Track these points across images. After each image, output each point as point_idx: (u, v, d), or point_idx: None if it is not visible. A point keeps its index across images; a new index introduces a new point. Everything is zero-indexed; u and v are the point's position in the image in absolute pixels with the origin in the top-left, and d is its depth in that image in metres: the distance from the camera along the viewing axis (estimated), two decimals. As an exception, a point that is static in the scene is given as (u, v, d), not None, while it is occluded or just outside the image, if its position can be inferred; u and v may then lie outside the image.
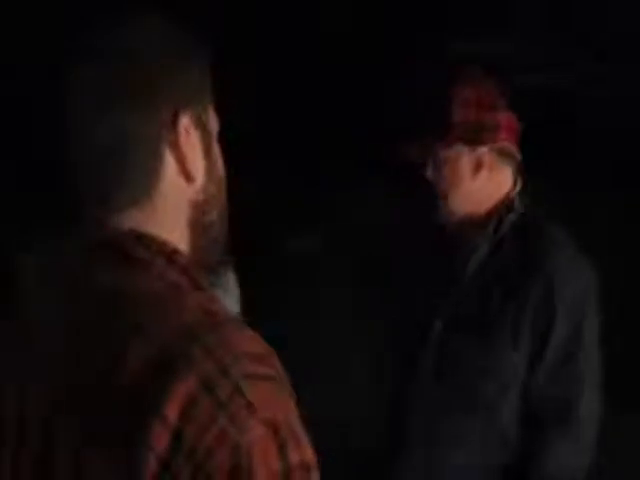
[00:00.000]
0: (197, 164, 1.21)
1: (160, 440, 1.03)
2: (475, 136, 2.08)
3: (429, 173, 2.10)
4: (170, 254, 1.18)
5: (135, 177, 1.18)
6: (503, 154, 2.12)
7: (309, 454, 1.09)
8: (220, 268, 3.51)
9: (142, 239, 1.17)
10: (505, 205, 2.15)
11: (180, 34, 1.23)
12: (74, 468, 1.09)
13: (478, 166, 2.09)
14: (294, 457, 1.07)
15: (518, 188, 2.18)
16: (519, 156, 2.15)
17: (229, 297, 2.86)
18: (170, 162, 1.19)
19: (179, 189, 1.21)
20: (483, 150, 2.09)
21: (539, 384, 2.08)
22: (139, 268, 1.16)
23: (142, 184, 1.18)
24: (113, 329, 1.10)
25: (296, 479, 1.07)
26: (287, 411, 1.09)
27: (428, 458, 2.15)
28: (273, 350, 1.13)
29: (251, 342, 1.11)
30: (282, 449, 1.06)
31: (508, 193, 2.16)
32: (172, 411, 1.03)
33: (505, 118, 2.10)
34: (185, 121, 1.20)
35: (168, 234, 1.20)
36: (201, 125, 1.22)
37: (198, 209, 1.23)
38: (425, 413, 2.15)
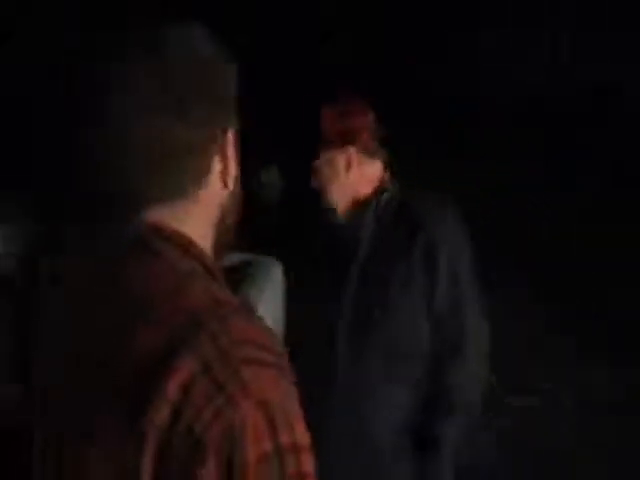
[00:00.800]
0: (233, 173, 1.31)
1: (160, 414, 1.10)
2: (342, 140, 2.57)
3: (314, 177, 2.59)
4: (186, 245, 1.25)
5: (180, 179, 1.24)
6: (368, 151, 2.58)
7: (302, 437, 1.14)
8: (264, 260, 3.61)
9: (161, 232, 1.24)
10: (380, 190, 2.60)
11: (221, 49, 1.29)
12: (83, 439, 1.17)
13: (348, 164, 2.56)
14: (285, 439, 1.12)
15: (389, 174, 2.63)
16: (384, 150, 2.63)
17: (273, 288, 3.02)
18: (216, 170, 1.28)
19: (215, 194, 1.29)
20: (351, 150, 2.57)
21: (437, 325, 2.48)
22: (154, 257, 1.23)
23: (185, 187, 1.25)
24: (128, 314, 1.17)
25: (287, 460, 1.12)
26: (282, 395, 1.14)
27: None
28: (275, 338, 1.20)
29: (253, 330, 1.17)
30: (274, 431, 1.11)
31: (381, 180, 2.61)
32: (173, 388, 1.10)
33: (366, 122, 2.59)
34: (230, 133, 1.29)
35: (194, 232, 1.28)
36: (235, 138, 1.31)
37: (223, 212, 1.31)
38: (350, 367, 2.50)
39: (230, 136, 1.29)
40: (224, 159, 1.28)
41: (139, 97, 1.20)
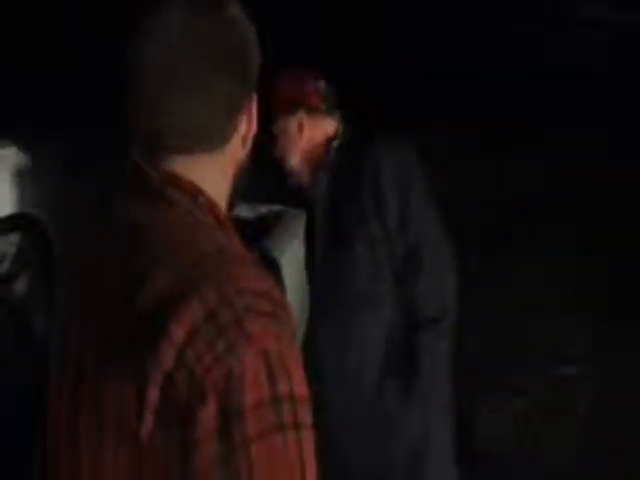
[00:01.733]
0: (253, 134, 1.37)
1: (167, 357, 1.15)
2: (293, 105, 2.78)
3: (273, 146, 2.77)
4: (195, 194, 1.29)
5: (206, 131, 1.29)
6: (319, 112, 2.79)
7: (300, 387, 1.17)
8: (292, 211, 3.86)
9: (174, 180, 1.29)
10: (331, 143, 2.80)
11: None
12: (96, 378, 1.23)
13: (300, 126, 2.78)
14: (283, 387, 1.15)
15: (340, 130, 2.83)
16: (337, 109, 2.84)
17: (298, 238, 3.26)
18: (241, 129, 1.33)
19: (236, 151, 1.35)
20: (300, 114, 2.77)
21: (395, 244, 2.62)
22: (168, 206, 1.27)
23: (212, 141, 1.30)
24: (140, 259, 1.23)
25: (284, 408, 1.15)
26: (282, 345, 1.17)
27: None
28: (278, 287, 1.23)
29: (256, 279, 1.21)
30: (272, 378, 1.15)
31: (334, 134, 2.81)
32: (179, 332, 1.15)
33: (313, 87, 2.79)
34: (255, 94, 1.34)
35: (212, 186, 1.32)
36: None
37: (238, 169, 1.37)
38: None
39: (255, 97, 1.35)
40: (249, 119, 1.34)
41: (183, 45, 1.26)
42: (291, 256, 3.68)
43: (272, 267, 3.59)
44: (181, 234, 1.25)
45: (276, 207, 4.23)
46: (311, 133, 2.81)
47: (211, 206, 1.31)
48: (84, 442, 1.26)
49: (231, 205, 1.38)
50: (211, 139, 1.30)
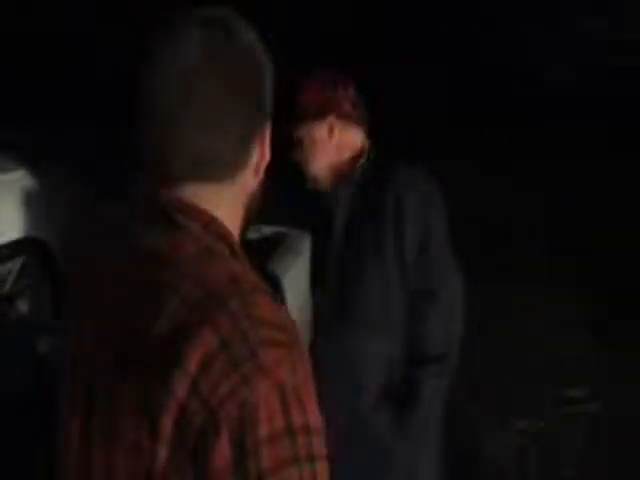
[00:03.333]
0: (266, 162, 1.35)
1: (180, 387, 1.14)
2: (324, 109, 2.65)
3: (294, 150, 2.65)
4: (207, 222, 1.27)
5: (220, 160, 1.27)
6: (350, 119, 2.67)
7: (314, 418, 1.16)
8: (295, 233, 3.78)
9: (185, 208, 1.27)
10: (358, 156, 2.69)
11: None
12: (109, 409, 1.22)
13: (331, 131, 2.65)
14: (297, 419, 1.14)
15: (369, 143, 2.73)
16: (366, 120, 2.74)
17: (302, 261, 3.16)
18: (255, 156, 1.31)
19: (248, 179, 1.33)
20: (331, 119, 2.64)
21: (410, 277, 2.60)
22: (180, 233, 1.26)
23: (223, 167, 1.28)
24: (153, 287, 1.22)
25: (299, 441, 1.14)
26: (296, 376, 1.16)
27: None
28: (291, 318, 1.23)
29: (270, 309, 1.20)
30: (286, 410, 1.13)
31: (361, 148, 2.70)
32: (192, 362, 1.14)
33: (346, 92, 2.67)
34: (267, 124, 1.32)
35: (225, 215, 1.30)
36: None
37: (250, 198, 1.35)
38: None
39: (267, 128, 1.32)
40: (262, 148, 1.32)
41: (198, 75, 1.23)
42: (294, 277, 3.64)
43: (275, 288, 3.55)
44: (194, 262, 1.23)
45: (280, 229, 4.19)
46: (340, 140, 2.69)
47: (224, 234, 1.29)
48: (97, 473, 1.25)
49: (244, 233, 1.37)
50: (224, 168, 1.28)
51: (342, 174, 2.68)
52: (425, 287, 2.59)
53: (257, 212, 1.39)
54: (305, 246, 3.10)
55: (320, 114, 2.64)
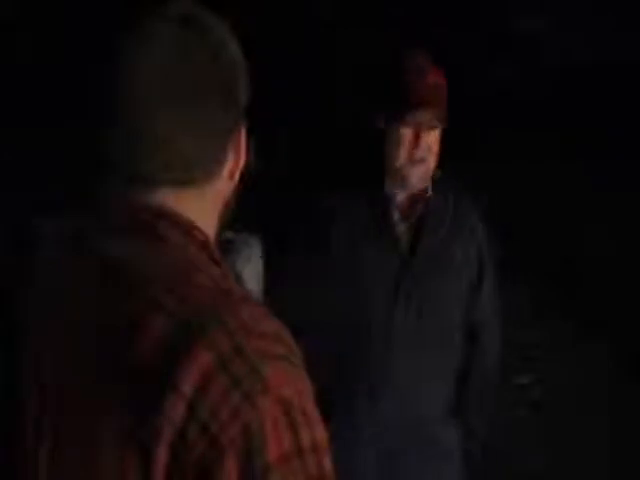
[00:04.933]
0: (240, 167, 1.28)
1: (175, 409, 1.05)
2: (445, 116, 2.32)
3: (399, 157, 2.29)
4: (189, 229, 1.20)
5: (193, 162, 1.20)
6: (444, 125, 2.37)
7: (320, 435, 1.10)
8: (248, 238, 3.58)
9: (164, 214, 1.19)
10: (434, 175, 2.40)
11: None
12: (85, 435, 1.11)
13: (436, 141, 2.33)
14: (305, 437, 1.08)
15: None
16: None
17: (254, 266, 2.96)
18: (230, 160, 1.25)
19: (223, 184, 1.26)
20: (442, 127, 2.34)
21: (475, 307, 2.46)
22: (159, 242, 1.18)
23: (198, 170, 1.21)
24: (132, 302, 1.13)
25: (308, 461, 1.08)
26: (299, 391, 1.11)
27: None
28: (285, 327, 1.15)
29: (266, 321, 1.13)
30: (293, 428, 1.07)
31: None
32: (187, 385, 1.06)
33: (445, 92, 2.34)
34: (242, 126, 1.26)
35: (200, 220, 1.23)
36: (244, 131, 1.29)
37: (226, 205, 1.29)
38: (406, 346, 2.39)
39: (243, 129, 1.27)
40: (237, 151, 1.27)
41: (170, 75, 1.18)
42: (245, 283, 3.59)
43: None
44: (176, 273, 1.15)
45: (228, 233, 4.11)
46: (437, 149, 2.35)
47: (205, 242, 1.22)
48: None
49: (216, 242, 1.29)
50: (198, 171, 1.22)
51: (419, 194, 2.35)
52: (487, 321, 2.49)
53: (230, 218, 1.33)
54: (257, 251, 2.94)
55: (443, 121, 2.29)
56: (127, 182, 1.20)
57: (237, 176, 1.27)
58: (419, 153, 2.28)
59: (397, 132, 2.28)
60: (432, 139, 2.29)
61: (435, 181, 2.38)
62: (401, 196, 2.36)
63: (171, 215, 1.20)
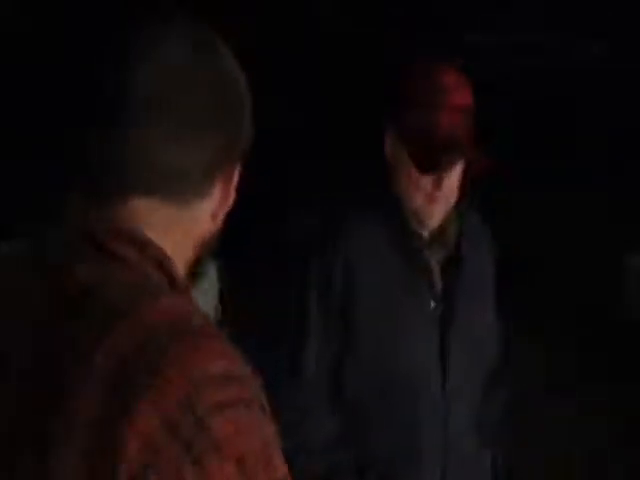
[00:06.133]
0: (225, 208, 1.19)
1: (122, 475, 0.96)
2: (471, 140, 1.98)
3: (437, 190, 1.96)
4: (143, 245, 1.10)
5: (177, 177, 1.11)
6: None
7: (280, 474, 1.03)
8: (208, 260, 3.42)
9: (118, 231, 1.09)
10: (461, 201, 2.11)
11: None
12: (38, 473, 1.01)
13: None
14: None
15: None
16: None
17: (209, 287, 2.87)
18: (215, 199, 1.16)
19: (204, 219, 1.17)
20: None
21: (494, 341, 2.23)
22: (112, 262, 1.08)
23: (178, 187, 1.12)
24: (80, 330, 1.04)
25: None
26: (255, 438, 1.01)
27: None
28: (243, 359, 1.05)
29: (220, 359, 1.03)
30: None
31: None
32: (133, 446, 0.97)
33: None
34: (236, 165, 1.18)
35: (170, 243, 1.14)
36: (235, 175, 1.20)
37: (203, 242, 1.19)
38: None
39: (236, 171, 1.17)
40: (226, 188, 1.17)
41: (173, 85, 1.10)
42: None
43: None
44: (128, 300, 1.05)
45: None
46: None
47: (162, 260, 1.11)
48: None
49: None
50: (180, 187, 1.12)
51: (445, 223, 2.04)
52: (506, 352, 2.36)
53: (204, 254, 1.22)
54: (212, 272, 2.78)
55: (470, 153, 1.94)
56: (89, 195, 1.11)
57: (220, 219, 1.17)
58: (440, 194, 1.96)
59: (414, 174, 1.96)
60: (455, 176, 1.95)
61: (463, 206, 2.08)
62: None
63: (126, 230, 1.10)
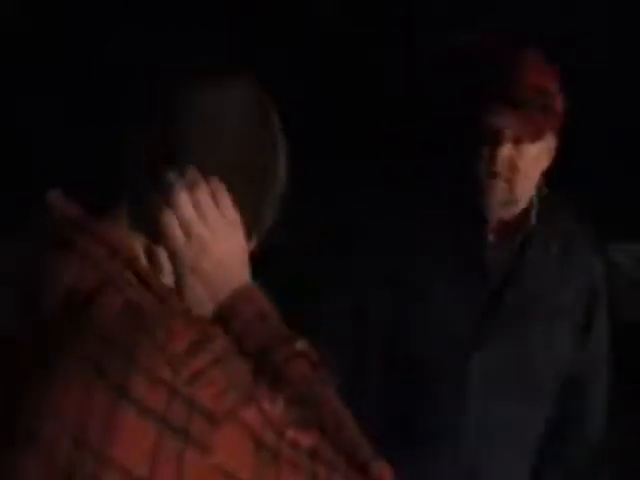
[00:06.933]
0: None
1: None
2: (560, 124, 1.94)
3: (499, 168, 1.87)
4: (112, 244, 1.10)
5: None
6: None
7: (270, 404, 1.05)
8: None
9: (87, 229, 1.10)
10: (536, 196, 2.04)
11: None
12: None
13: (550, 153, 1.96)
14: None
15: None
16: None
17: None
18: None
19: None
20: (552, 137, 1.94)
21: (583, 357, 2.07)
22: (75, 257, 1.08)
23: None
24: (40, 338, 1.03)
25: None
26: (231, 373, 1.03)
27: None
28: (207, 319, 1.07)
29: (183, 330, 1.03)
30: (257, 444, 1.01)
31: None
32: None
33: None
34: (255, 240, 1.21)
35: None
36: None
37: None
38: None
39: (253, 241, 1.19)
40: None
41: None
42: None
43: None
44: (84, 295, 1.04)
45: None
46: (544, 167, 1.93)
47: (129, 259, 1.12)
48: None
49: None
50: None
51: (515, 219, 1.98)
52: (595, 372, 2.22)
53: None
54: None
55: (557, 130, 1.93)
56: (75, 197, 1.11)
57: None
58: (496, 169, 1.88)
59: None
60: (522, 155, 1.86)
61: (542, 206, 2.01)
62: (493, 217, 1.95)
63: (91, 227, 1.09)
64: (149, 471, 0.98)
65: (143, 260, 1.14)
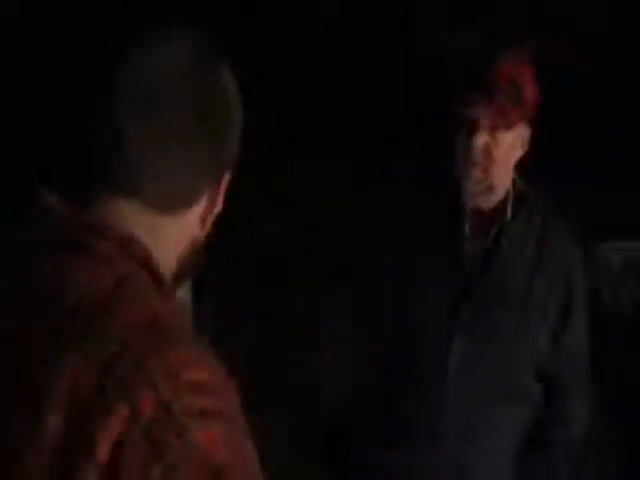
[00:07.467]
0: (213, 213, 1.22)
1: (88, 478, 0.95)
2: (533, 114, 2.02)
3: (475, 156, 1.95)
4: (126, 243, 1.09)
5: (164, 182, 1.14)
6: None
7: None
8: None
9: (100, 228, 1.09)
10: (514, 188, 2.11)
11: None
12: None
13: (524, 142, 2.03)
14: None
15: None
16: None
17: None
18: (202, 206, 1.19)
19: (191, 225, 1.20)
20: (525, 127, 2.00)
21: (563, 353, 2.10)
22: (87, 259, 1.08)
23: (166, 193, 1.14)
24: (51, 338, 1.02)
25: None
26: (235, 454, 1.01)
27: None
28: (223, 373, 1.04)
29: (201, 367, 1.03)
30: None
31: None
32: (104, 450, 0.96)
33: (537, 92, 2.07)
34: (227, 174, 1.22)
35: (159, 254, 1.15)
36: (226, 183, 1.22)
37: (191, 248, 1.21)
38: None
39: (225, 177, 1.22)
40: (214, 197, 1.20)
41: (172, 91, 1.12)
42: None
43: None
44: (104, 299, 1.04)
45: None
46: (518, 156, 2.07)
47: (145, 259, 1.11)
48: None
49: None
50: (161, 193, 1.15)
51: (497, 207, 2.05)
52: (577, 370, 2.26)
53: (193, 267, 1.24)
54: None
55: (529, 120, 2.02)
56: (75, 191, 1.11)
57: (209, 223, 1.20)
58: (472, 156, 1.97)
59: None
60: (498, 143, 1.95)
61: (518, 198, 2.05)
62: (470, 207, 2.02)
63: (108, 227, 1.08)
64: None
65: (156, 259, 1.15)
